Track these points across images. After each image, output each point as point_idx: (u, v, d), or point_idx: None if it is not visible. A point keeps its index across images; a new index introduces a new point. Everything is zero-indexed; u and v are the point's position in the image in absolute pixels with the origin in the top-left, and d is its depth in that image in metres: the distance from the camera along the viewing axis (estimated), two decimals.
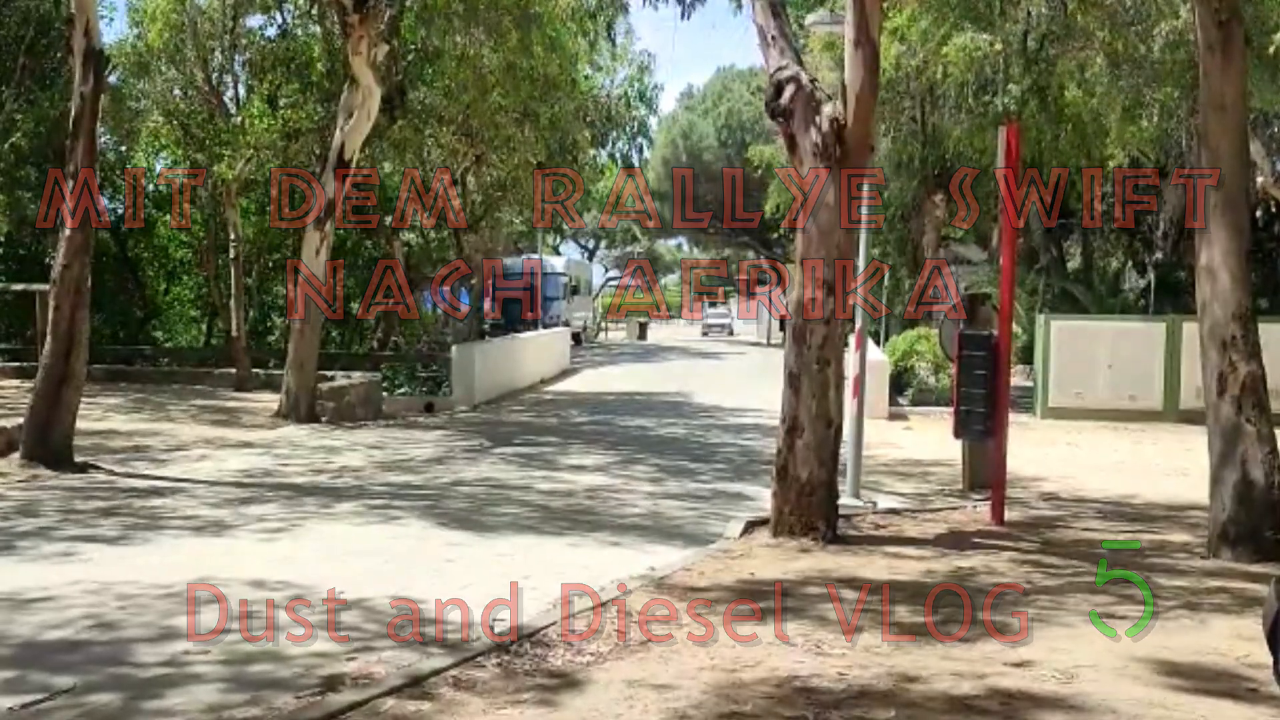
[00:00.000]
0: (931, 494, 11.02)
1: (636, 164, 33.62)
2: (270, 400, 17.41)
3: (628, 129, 30.24)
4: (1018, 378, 20.39)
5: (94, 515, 8.74)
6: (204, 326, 28.09)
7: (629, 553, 7.83)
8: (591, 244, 67.79)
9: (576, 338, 36.23)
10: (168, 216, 26.07)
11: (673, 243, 71.68)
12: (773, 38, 8.70)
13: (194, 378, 21.61)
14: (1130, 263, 29.94)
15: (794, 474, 8.13)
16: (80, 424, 11.63)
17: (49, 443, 10.94)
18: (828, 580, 6.91)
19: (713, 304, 76.32)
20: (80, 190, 11.17)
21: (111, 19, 51.37)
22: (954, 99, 19.42)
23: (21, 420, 11.35)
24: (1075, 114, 16.73)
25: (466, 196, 27.03)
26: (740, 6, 13.18)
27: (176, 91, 21.57)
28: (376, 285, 26.33)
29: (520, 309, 35.89)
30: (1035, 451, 13.92)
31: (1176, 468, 12.84)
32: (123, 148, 23.96)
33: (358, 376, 19.42)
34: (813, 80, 8.54)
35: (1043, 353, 18.57)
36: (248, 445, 13.46)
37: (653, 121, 35.52)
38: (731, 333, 57.22)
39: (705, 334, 56.69)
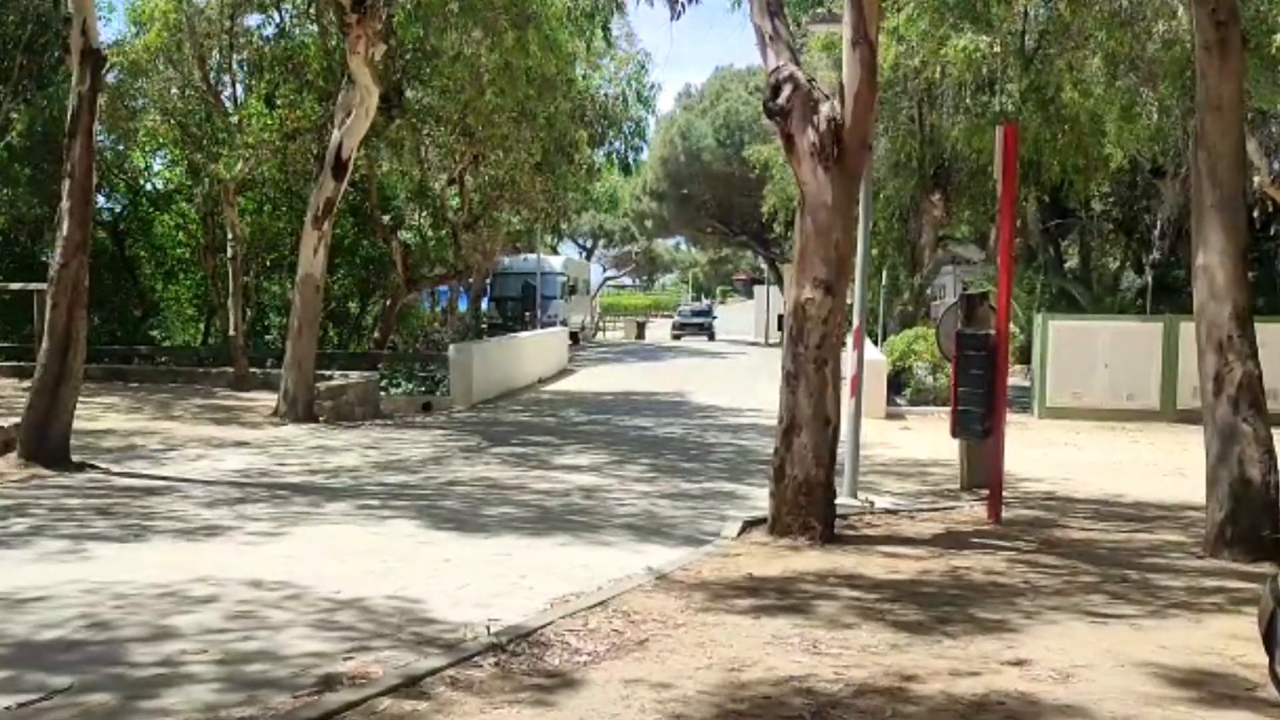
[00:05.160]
0: (929, 494, 11.02)
1: (634, 164, 33.57)
2: (268, 399, 17.40)
3: (625, 129, 30.20)
4: (1016, 377, 20.42)
5: (90, 514, 8.73)
6: (202, 326, 28.08)
7: (626, 552, 7.83)
8: (589, 243, 67.80)
9: (574, 337, 36.20)
10: (165, 215, 26.06)
11: (671, 242, 71.69)
12: (770, 37, 8.70)
13: (192, 377, 21.60)
14: (1128, 262, 29.99)
15: (791, 474, 8.13)
16: (77, 423, 11.63)
17: (46, 442, 10.93)
18: (825, 579, 6.92)
19: (698, 300, 69.44)
20: (78, 189, 11.16)
21: (109, 18, 51.34)
22: (952, 99, 19.46)
23: (19, 419, 11.33)
24: (1073, 114, 16.75)
25: (464, 196, 27.02)
26: (738, 4, 13.19)
27: (174, 91, 21.53)
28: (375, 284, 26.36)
29: (518, 308, 35.86)
30: (1033, 451, 13.93)
31: (1174, 467, 12.85)
32: (120, 147, 23.91)
33: (355, 376, 19.40)
34: (810, 80, 8.53)
35: (1040, 352, 18.59)
36: (245, 445, 13.45)
37: (650, 121, 35.51)
38: (712, 336, 46.84)
39: (678, 337, 46.78)
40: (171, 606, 6.06)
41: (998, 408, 9.20)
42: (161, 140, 22.90)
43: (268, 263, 25.52)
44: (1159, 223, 25.47)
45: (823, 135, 8.13)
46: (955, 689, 4.83)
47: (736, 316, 56.75)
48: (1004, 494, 9.40)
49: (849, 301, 9.56)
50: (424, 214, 27.34)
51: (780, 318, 9.57)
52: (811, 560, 7.48)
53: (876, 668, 5.11)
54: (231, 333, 21.62)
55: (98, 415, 15.42)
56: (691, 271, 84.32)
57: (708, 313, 51.80)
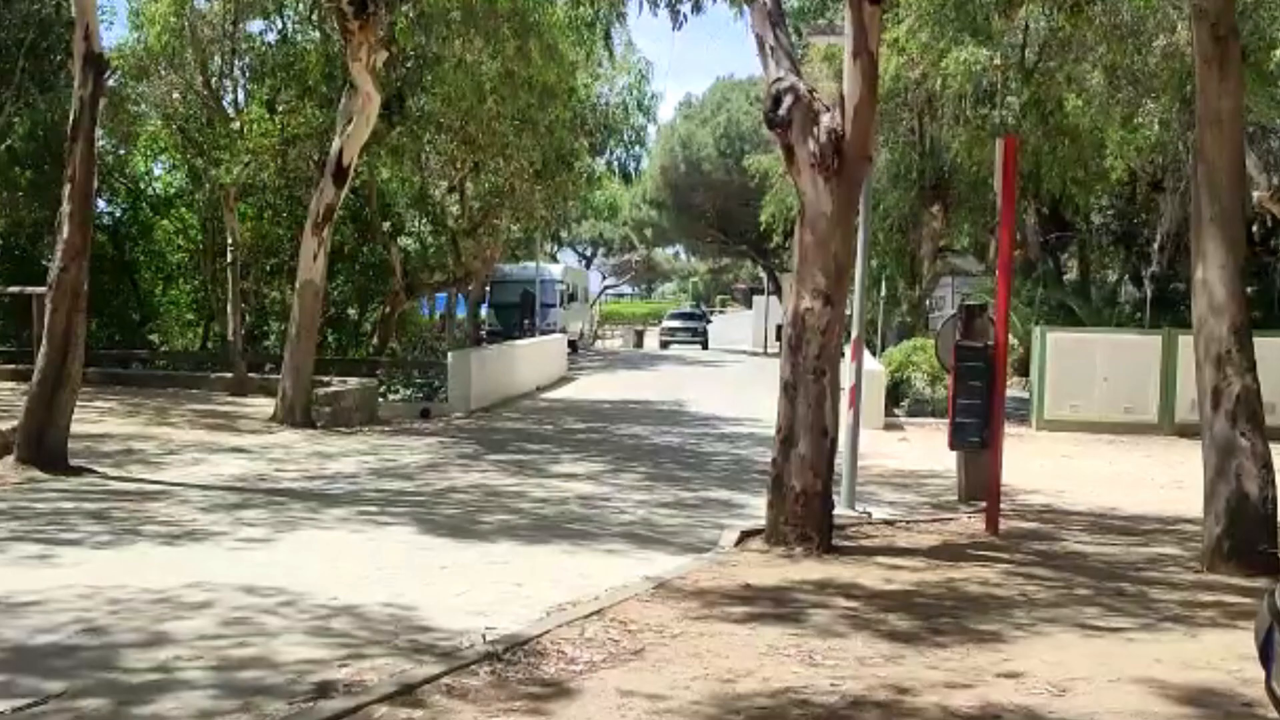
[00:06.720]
0: (926, 505, 11.01)
1: (634, 172, 33.64)
2: (266, 405, 17.37)
3: (626, 137, 30.27)
4: (1014, 389, 20.41)
5: (87, 518, 8.71)
6: (200, 330, 28.05)
7: (623, 560, 7.83)
8: (589, 251, 67.89)
9: (573, 345, 36.18)
10: (166, 220, 26.07)
11: (670, 251, 71.79)
12: (771, 48, 8.72)
13: (190, 381, 21.56)
14: (1127, 275, 30.02)
15: (789, 484, 8.13)
16: (75, 427, 11.60)
17: (44, 446, 10.91)
18: (821, 590, 6.91)
19: (694, 306, 64.60)
20: (79, 193, 11.17)
21: (111, 22, 51.31)
22: (952, 111, 19.51)
23: (16, 423, 11.32)
24: (1073, 126, 16.80)
25: (464, 203, 27.02)
26: (740, 13, 13.22)
27: (176, 95, 21.53)
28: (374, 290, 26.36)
29: (517, 316, 35.86)
30: (1030, 463, 13.92)
31: (1171, 481, 12.84)
32: (121, 151, 23.92)
33: (354, 382, 19.39)
34: (811, 91, 8.55)
35: (1039, 364, 18.59)
36: (243, 450, 13.42)
37: (651, 130, 35.61)
38: (706, 344, 43.66)
39: (665, 345, 43.80)
40: (167, 611, 6.05)
41: (996, 419, 9.21)
42: (162, 145, 22.87)
43: (267, 268, 25.49)
44: (1158, 236, 25.51)
45: (823, 146, 8.14)
46: (950, 701, 4.82)
47: (734, 325, 56.44)
48: (1001, 506, 9.40)
49: (848, 312, 9.58)
50: (424, 221, 27.35)
51: (779, 327, 9.57)
52: (808, 570, 7.48)
53: (873, 679, 5.11)
54: (230, 338, 21.60)
55: (96, 419, 15.39)
56: (691, 280, 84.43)
57: (700, 317, 48.70)
